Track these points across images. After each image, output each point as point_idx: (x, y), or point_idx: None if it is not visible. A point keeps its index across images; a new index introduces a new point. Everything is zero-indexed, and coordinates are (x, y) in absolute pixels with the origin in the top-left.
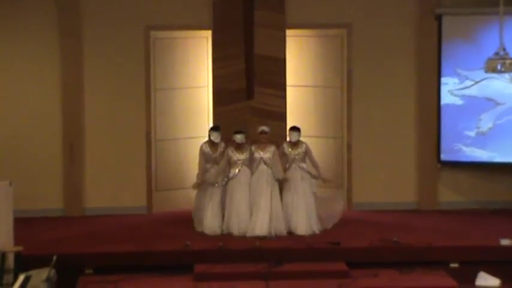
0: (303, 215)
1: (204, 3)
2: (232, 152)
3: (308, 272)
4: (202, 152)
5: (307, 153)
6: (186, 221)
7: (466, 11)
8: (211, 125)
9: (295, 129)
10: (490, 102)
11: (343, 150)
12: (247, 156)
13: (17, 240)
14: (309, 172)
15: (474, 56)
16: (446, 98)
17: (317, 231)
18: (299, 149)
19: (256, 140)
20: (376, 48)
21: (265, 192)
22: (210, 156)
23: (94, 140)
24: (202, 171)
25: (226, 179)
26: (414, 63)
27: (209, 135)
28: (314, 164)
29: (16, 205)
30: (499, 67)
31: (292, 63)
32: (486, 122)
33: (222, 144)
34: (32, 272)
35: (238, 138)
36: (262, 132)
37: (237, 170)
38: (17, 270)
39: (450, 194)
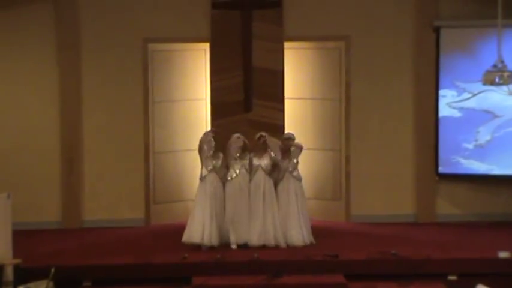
0: (297, 225)
1: (202, 16)
2: (237, 149)
3: (306, 284)
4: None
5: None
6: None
7: (464, 24)
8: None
9: (290, 139)
10: (488, 114)
11: (341, 163)
12: (247, 161)
13: (16, 253)
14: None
15: (472, 68)
16: (444, 111)
17: (310, 242)
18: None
19: (254, 149)
20: (375, 60)
21: (262, 201)
22: (212, 144)
23: (92, 152)
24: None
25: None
26: (412, 76)
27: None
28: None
29: (14, 217)
30: (497, 79)
31: (290, 75)
32: (484, 135)
33: (221, 155)
34: (30, 285)
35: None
36: (261, 136)
37: (234, 174)
38: (15, 283)
39: (448, 206)
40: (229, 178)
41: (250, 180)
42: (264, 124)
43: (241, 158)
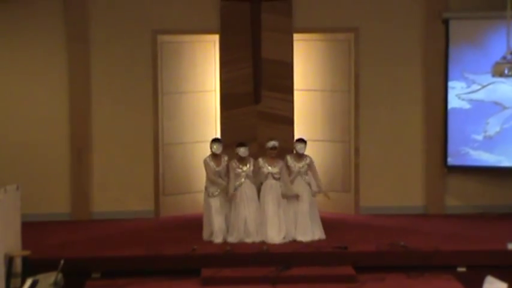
0: (307, 226)
1: (212, 8)
2: (235, 163)
3: (315, 276)
4: (207, 164)
5: (310, 166)
6: (193, 225)
7: (474, 15)
8: (218, 129)
9: (301, 141)
10: (497, 106)
11: (350, 154)
12: (251, 168)
13: (25, 244)
14: (309, 185)
15: (481, 60)
16: (453, 102)
17: (322, 238)
18: (303, 162)
19: (264, 154)
20: (384, 52)
21: (273, 206)
22: (214, 169)
23: (101, 144)
24: (215, 180)
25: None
26: (421, 67)
27: (211, 148)
28: (316, 178)
29: (23, 209)
30: (506, 71)
31: (300, 67)
32: (493, 126)
33: (226, 158)
34: (39, 276)
35: (242, 151)
36: (273, 147)
37: (239, 184)
38: (24, 274)
39: (457, 198)
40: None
41: (259, 186)
42: (273, 116)
43: (243, 164)
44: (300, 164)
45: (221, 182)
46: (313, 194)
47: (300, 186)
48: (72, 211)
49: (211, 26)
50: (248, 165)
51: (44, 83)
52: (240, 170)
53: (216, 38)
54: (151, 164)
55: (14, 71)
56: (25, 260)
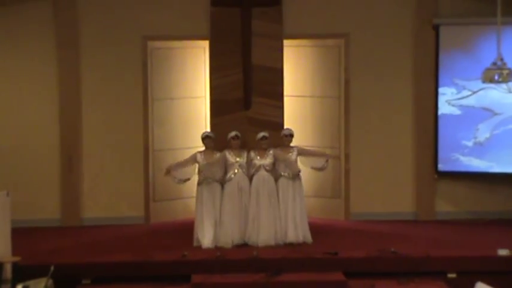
0: (297, 223)
1: (202, 14)
2: (229, 153)
3: (306, 282)
4: (193, 158)
5: (301, 153)
6: (183, 231)
7: (464, 21)
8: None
9: (287, 129)
10: (488, 112)
11: (340, 161)
12: (244, 160)
13: (15, 251)
14: (316, 168)
15: (472, 66)
16: (443, 108)
17: (306, 240)
18: (290, 154)
19: (255, 147)
20: (374, 58)
21: (265, 200)
22: (202, 162)
23: (91, 150)
24: (177, 163)
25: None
26: (412, 73)
27: (202, 137)
28: (314, 154)
29: (14, 215)
30: (496, 77)
31: (290, 73)
32: (483, 132)
33: (218, 154)
34: (30, 282)
35: (233, 133)
36: (263, 138)
37: (232, 174)
38: (14, 281)
39: (448, 204)
40: (227, 179)
41: (251, 178)
42: (263, 122)
43: (237, 156)
44: (287, 156)
45: (178, 175)
46: (322, 168)
47: (285, 181)
48: (62, 217)
49: (201, 32)
50: (242, 157)
51: (34, 90)
52: (233, 161)
53: (206, 44)
54: (142, 170)
55: (4, 77)
56: (15, 266)
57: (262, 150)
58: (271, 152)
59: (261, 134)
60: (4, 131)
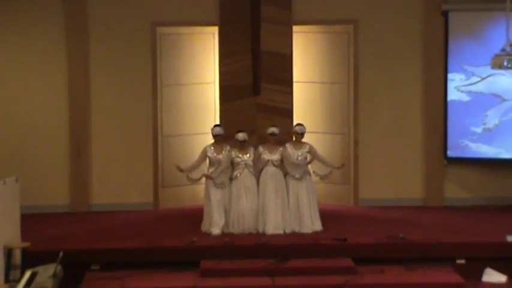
0: (306, 216)
1: None
2: (235, 153)
3: (314, 268)
4: (204, 153)
5: (311, 153)
6: (192, 217)
7: (473, 7)
8: (217, 121)
9: (300, 124)
10: (497, 98)
11: (349, 147)
12: (251, 157)
13: (24, 236)
14: (319, 175)
15: (481, 52)
16: (452, 94)
17: (319, 229)
18: (302, 150)
19: (264, 141)
20: (383, 44)
21: (274, 194)
22: (215, 158)
23: (100, 136)
24: (191, 165)
25: (226, 180)
26: (421, 59)
27: (212, 134)
28: (324, 160)
29: (23, 201)
30: (505, 63)
31: (299, 59)
32: (492, 118)
33: (228, 147)
34: (39, 268)
35: (241, 136)
36: (272, 134)
37: (238, 173)
38: (23, 266)
39: (457, 190)
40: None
41: (259, 172)
42: (272, 108)
43: (244, 153)
44: (299, 152)
45: (192, 176)
46: (325, 177)
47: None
48: (71, 203)
49: (210, 18)
50: (248, 155)
51: (43, 75)
52: (239, 159)
53: (215, 30)
54: (151, 156)
55: (13, 62)
56: (24, 252)
57: (271, 145)
58: (280, 148)
59: (271, 130)
60: (13, 117)
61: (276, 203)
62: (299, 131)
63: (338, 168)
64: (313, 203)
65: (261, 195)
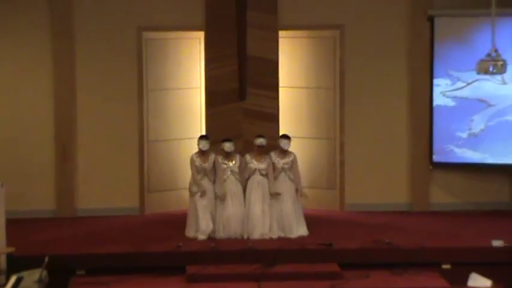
0: (291, 223)
1: (197, 4)
2: (221, 159)
3: (300, 273)
4: (193, 163)
5: (293, 163)
6: (178, 222)
7: (458, 13)
8: (203, 126)
9: (285, 137)
10: (482, 103)
11: (335, 151)
12: (237, 164)
13: (9, 241)
14: (293, 181)
15: (466, 57)
16: (438, 99)
17: (305, 234)
18: (287, 158)
19: (250, 148)
20: (369, 49)
21: (259, 203)
22: (201, 166)
23: (86, 141)
24: (197, 181)
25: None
26: (406, 65)
27: (198, 145)
28: (296, 176)
29: (8, 206)
30: (490, 68)
31: (285, 64)
32: (478, 124)
33: (213, 155)
34: (24, 273)
35: (227, 146)
36: (260, 145)
37: (224, 179)
38: (9, 272)
39: (442, 195)
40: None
41: (245, 181)
42: (258, 113)
43: (229, 160)
44: (284, 161)
45: (201, 184)
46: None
47: (283, 183)
48: (56, 208)
49: (196, 23)
50: (234, 161)
51: (29, 80)
52: (225, 166)
53: (201, 35)
54: (137, 161)
55: None
56: (10, 257)
57: (258, 155)
58: (267, 157)
59: (259, 141)
60: None
61: (264, 211)
62: (284, 145)
63: (298, 192)
64: (297, 208)
65: (247, 203)
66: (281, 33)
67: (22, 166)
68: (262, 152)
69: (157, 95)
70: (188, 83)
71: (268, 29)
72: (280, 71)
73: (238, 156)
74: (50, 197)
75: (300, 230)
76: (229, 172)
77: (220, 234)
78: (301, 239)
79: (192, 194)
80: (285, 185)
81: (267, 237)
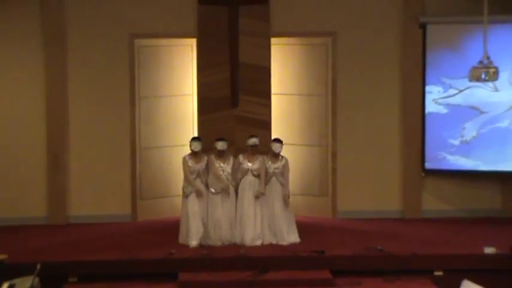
0: (281, 227)
1: (189, 11)
2: (215, 159)
3: (292, 280)
4: (186, 163)
5: (284, 168)
6: (170, 229)
7: (450, 20)
8: (195, 133)
9: (277, 141)
10: (474, 111)
11: (327, 159)
12: (230, 165)
13: (1, 248)
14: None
15: (458, 64)
16: (430, 107)
17: (297, 241)
18: (279, 163)
19: (244, 150)
20: (361, 56)
21: (252, 203)
22: (194, 167)
23: (78, 148)
24: (191, 181)
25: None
26: (399, 72)
27: (190, 146)
28: (285, 182)
29: (0, 213)
30: (483, 76)
31: (277, 71)
32: (470, 131)
33: (205, 157)
34: (16, 281)
35: (220, 145)
36: (254, 145)
37: (219, 174)
38: (0, 279)
39: (434, 202)
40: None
41: (238, 182)
42: (250, 120)
43: (222, 161)
44: (275, 165)
45: (195, 184)
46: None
47: (274, 188)
48: (48, 215)
49: (188, 30)
50: (227, 163)
51: (21, 87)
52: (217, 165)
53: (193, 42)
54: (129, 168)
55: None
56: (1, 264)
57: (251, 155)
58: (260, 158)
59: (251, 141)
60: None
61: (255, 212)
62: (275, 148)
63: (285, 201)
64: (289, 216)
65: (239, 204)
66: (273, 40)
67: (14, 173)
68: (255, 152)
69: (149, 102)
70: (180, 90)
71: (261, 36)
72: (273, 78)
73: (231, 158)
74: (42, 204)
75: (292, 237)
76: (221, 172)
77: (211, 237)
78: (293, 246)
79: (185, 195)
80: (275, 189)
81: (258, 242)
